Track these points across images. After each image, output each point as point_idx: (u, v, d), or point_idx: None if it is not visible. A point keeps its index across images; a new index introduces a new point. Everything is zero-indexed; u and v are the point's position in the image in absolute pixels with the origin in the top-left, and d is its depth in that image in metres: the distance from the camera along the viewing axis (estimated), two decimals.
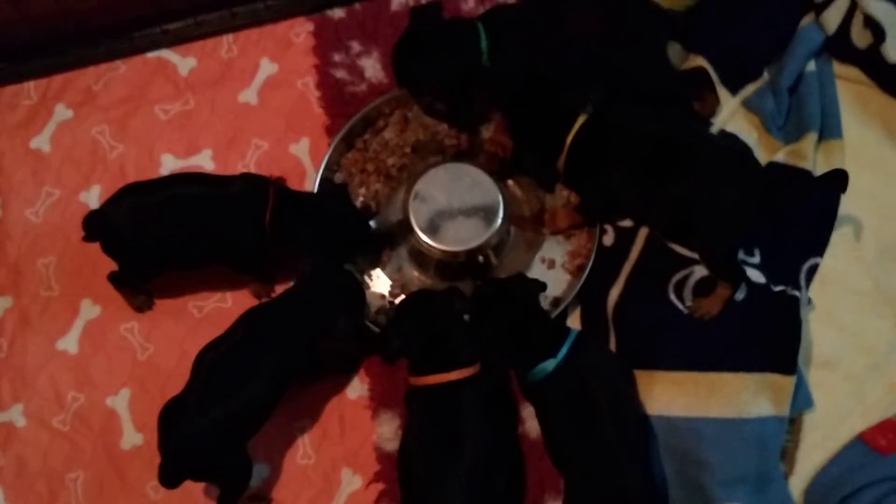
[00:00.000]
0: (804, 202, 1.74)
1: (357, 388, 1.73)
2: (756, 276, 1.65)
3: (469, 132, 1.86)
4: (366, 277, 1.79)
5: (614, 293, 1.70)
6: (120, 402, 1.74)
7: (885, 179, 1.81)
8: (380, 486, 1.66)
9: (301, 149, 1.93)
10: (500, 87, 1.73)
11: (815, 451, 1.61)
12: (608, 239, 1.77)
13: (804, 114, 1.82)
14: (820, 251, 1.72)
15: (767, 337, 1.60)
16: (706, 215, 1.56)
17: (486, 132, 1.87)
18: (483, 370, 1.55)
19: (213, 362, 1.50)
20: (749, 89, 1.88)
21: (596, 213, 1.77)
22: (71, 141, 1.94)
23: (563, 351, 1.51)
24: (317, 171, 1.82)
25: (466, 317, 1.59)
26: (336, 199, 1.74)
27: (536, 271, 1.78)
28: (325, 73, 1.97)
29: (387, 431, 1.69)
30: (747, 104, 1.87)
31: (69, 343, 1.78)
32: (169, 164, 1.92)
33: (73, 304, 1.81)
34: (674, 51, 1.84)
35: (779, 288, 1.65)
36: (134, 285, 1.77)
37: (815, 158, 1.78)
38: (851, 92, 1.88)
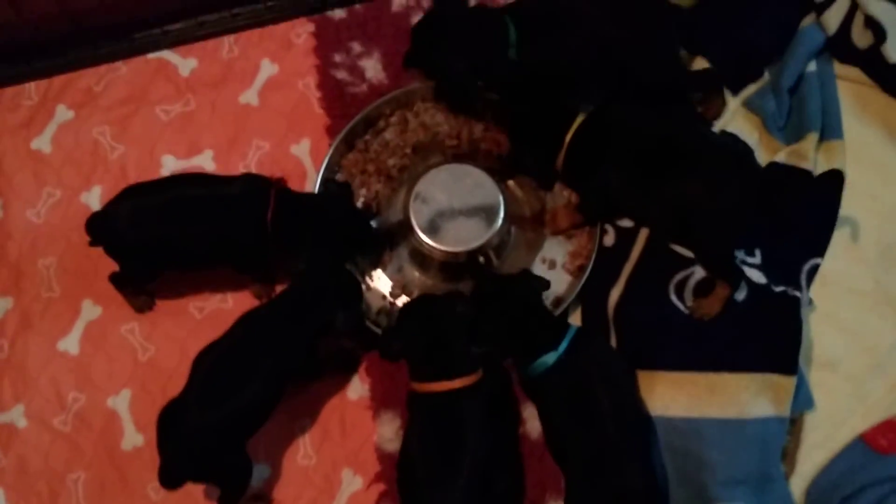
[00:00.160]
0: (805, 202, 1.74)
1: (358, 389, 1.73)
2: (757, 276, 1.65)
3: (469, 126, 1.85)
4: (366, 278, 1.79)
5: (615, 293, 1.70)
6: (121, 402, 1.74)
7: (885, 179, 1.81)
8: (381, 487, 1.66)
9: (302, 149, 1.93)
10: (517, 82, 1.71)
11: (815, 451, 1.62)
12: (609, 239, 1.77)
13: (805, 114, 1.82)
14: (821, 251, 1.72)
15: (768, 337, 1.60)
16: (705, 215, 1.56)
17: (477, 130, 1.86)
18: (484, 376, 1.54)
19: (211, 363, 1.50)
20: (750, 90, 1.88)
21: (596, 213, 1.77)
22: (72, 142, 1.94)
23: (564, 344, 1.51)
24: (318, 172, 1.82)
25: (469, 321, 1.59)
26: (337, 199, 1.74)
27: (537, 272, 1.77)
28: (326, 74, 1.97)
29: (388, 432, 1.69)
30: (748, 105, 1.87)
31: (70, 344, 1.78)
32: (170, 165, 1.92)
33: (74, 305, 1.81)
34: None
35: (780, 288, 1.65)
36: (135, 286, 1.77)
37: (815, 159, 1.78)
38: (852, 92, 1.88)
